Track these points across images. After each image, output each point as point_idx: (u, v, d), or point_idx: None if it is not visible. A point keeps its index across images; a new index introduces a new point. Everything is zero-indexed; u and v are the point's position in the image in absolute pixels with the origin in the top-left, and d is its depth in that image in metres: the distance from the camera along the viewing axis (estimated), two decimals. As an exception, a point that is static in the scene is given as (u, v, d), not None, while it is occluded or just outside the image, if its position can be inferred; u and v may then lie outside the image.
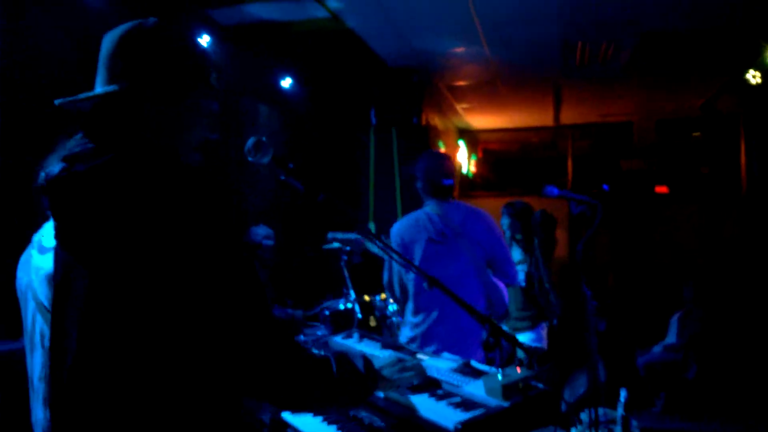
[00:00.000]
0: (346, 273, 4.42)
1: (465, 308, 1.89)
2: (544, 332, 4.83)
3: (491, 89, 7.64)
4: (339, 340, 2.31)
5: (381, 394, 1.71)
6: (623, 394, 4.84)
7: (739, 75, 6.42)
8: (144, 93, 1.28)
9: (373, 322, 4.44)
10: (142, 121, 1.28)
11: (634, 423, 4.77)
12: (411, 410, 1.62)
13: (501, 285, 3.12)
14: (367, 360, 1.48)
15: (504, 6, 5.07)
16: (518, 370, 1.66)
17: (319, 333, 4.25)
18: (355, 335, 2.31)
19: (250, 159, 1.66)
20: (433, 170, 3.15)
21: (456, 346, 2.68)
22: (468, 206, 3.24)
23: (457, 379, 1.75)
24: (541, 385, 1.63)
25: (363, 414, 1.72)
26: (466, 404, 1.59)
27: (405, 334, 3.15)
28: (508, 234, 5.01)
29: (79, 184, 1.17)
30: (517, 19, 5.41)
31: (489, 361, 1.85)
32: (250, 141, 1.65)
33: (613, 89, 7.67)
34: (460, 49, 6.22)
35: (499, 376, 1.62)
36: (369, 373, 1.45)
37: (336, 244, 4.45)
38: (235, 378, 1.18)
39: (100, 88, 1.31)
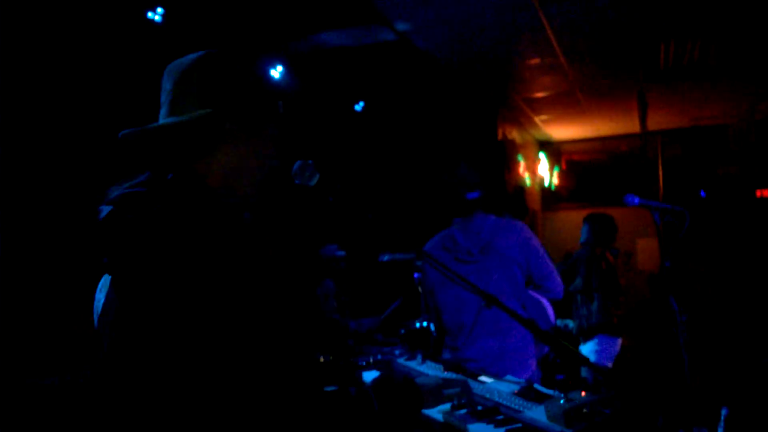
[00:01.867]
0: (420, 290, 4.38)
1: (525, 325, 1.81)
2: (610, 347, 4.65)
3: (571, 99, 7.44)
4: (402, 362, 2.27)
5: (440, 418, 1.66)
6: (724, 412, 4.51)
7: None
8: (221, 122, 1.24)
9: (450, 342, 4.37)
10: (216, 151, 1.26)
11: (736, 445, 4.42)
12: (471, 437, 1.56)
13: (544, 301, 2.87)
14: (407, 380, 1.44)
15: (575, 14, 4.92)
16: (582, 393, 1.56)
17: (397, 352, 4.24)
18: (419, 357, 2.26)
19: (296, 182, 1.66)
20: (455, 184, 2.88)
21: (496, 366, 2.52)
22: (498, 219, 2.92)
23: (518, 404, 1.67)
24: (608, 411, 1.52)
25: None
26: (526, 431, 1.51)
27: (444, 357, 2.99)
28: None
29: (120, 233, 1.16)
30: (590, 28, 5.25)
31: (550, 383, 1.76)
32: (297, 164, 1.65)
33: (703, 91, 7.27)
34: (534, 61, 6.10)
35: (562, 401, 1.53)
36: (410, 393, 1.40)
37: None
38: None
39: (170, 118, 1.26)
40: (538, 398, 1.67)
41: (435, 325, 3.35)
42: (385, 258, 3.98)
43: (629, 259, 8.97)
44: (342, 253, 5.03)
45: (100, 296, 1.36)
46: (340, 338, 4.87)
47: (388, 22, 4.82)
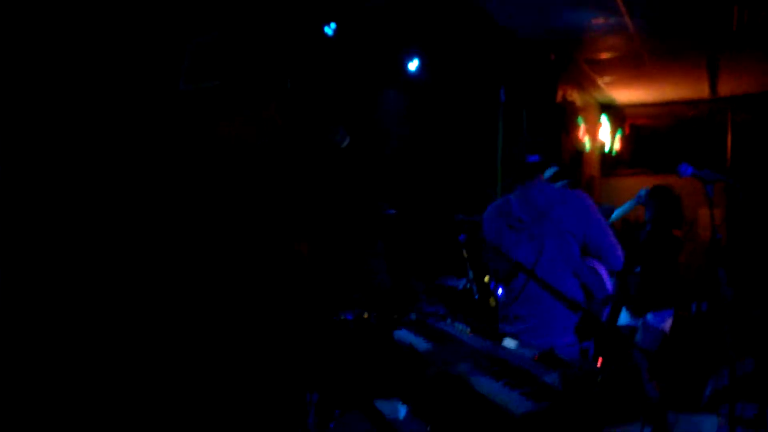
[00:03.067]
0: (465, 252, 4.40)
1: (554, 295, 1.83)
2: (665, 322, 4.58)
3: (636, 61, 7.15)
4: (431, 322, 2.34)
5: (455, 373, 1.72)
6: (777, 392, 4.38)
7: None
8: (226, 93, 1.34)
9: (492, 303, 4.40)
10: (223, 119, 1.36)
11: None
12: (484, 395, 1.61)
13: (601, 269, 2.86)
14: (410, 349, 1.49)
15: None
16: (599, 363, 1.59)
17: (432, 309, 4.32)
18: (449, 319, 2.32)
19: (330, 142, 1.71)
20: (518, 149, 2.92)
21: (539, 331, 2.58)
22: (556, 188, 2.96)
23: (536, 369, 1.71)
24: (621, 379, 1.54)
25: (436, 394, 1.74)
26: (537, 394, 1.55)
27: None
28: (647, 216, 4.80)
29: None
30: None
31: (581, 351, 1.79)
32: (326, 125, 1.70)
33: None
34: (598, 21, 5.89)
35: (577, 369, 1.56)
36: (413, 361, 1.45)
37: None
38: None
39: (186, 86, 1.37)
40: (555, 364, 1.70)
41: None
42: (459, 217, 3.98)
43: (691, 228, 8.70)
44: (392, 211, 5.08)
45: None
46: (380, 297, 4.98)
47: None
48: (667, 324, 4.61)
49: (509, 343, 1.97)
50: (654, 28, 6.03)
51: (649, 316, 4.61)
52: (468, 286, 4.32)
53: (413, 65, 5.54)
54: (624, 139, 9.48)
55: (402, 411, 1.78)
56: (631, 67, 7.38)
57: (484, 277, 4.56)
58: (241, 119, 1.35)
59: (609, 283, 2.88)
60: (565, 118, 7.39)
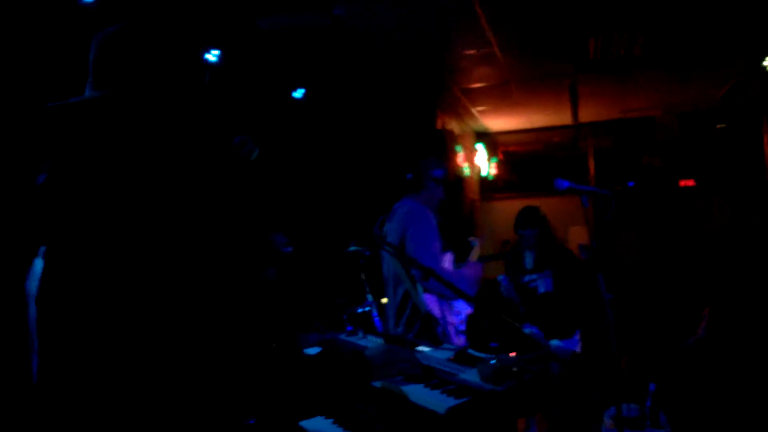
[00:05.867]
0: (363, 277, 4.42)
1: (459, 294, 1.89)
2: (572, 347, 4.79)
3: (506, 90, 7.62)
4: (344, 338, 2.32)
5: (377, 384, 1.71)
6: (652, 387, 4.73)
7: (757, 63, 6.31)
8: (132, 98, 1.24)
9: (391, 324, 4.44)
10: (128, 128, 1.25)
11: (663, 418, 4.66)
12: (405, 399, 1.62)
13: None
14: (356, 353, 1.47)
15: (509, 4, 5.08)
16: (513, 355, 1.65)
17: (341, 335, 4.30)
18: (359, 333, 2.32)
19: (237, 156, 1.69)
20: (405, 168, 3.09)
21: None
22: (400, 205, 3.04)
23: (453, 368, 1.75)
24: (535, 369, 1.61)
25: (360, 406, 1.73)
26: (459, 391, 1.59)
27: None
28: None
29: (59, 195, 1.18)
30: (523, 19, 5.41)
31: (484, 349, 1.86)
32: (236, 139, 1.67)
33: (631, 84, 7.58)
34: (470, 52, 6.23)
35: (493, 362, 1.61)
36: (360, 365, 1.43)
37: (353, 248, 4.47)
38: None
39: (88, 92, 1.28)
40: (472, 362, 1.75)
41: None
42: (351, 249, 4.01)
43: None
44: (290, 249, 5.04)
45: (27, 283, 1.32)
46: (280, 325, 4.90)
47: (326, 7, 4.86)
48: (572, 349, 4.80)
49: (423, 348, 2.00)
50: (520, 58, 6.46)
51: (555, 342, 4.76)
52: (368, 309, 4.34)
53: (297, 93, 5.58)
54: (499, 165, 10.00)
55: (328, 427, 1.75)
56: (502, 96, 7.84)
57: (382, 299, 4.61)
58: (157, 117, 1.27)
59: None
60: (444, 146, 7.69)
